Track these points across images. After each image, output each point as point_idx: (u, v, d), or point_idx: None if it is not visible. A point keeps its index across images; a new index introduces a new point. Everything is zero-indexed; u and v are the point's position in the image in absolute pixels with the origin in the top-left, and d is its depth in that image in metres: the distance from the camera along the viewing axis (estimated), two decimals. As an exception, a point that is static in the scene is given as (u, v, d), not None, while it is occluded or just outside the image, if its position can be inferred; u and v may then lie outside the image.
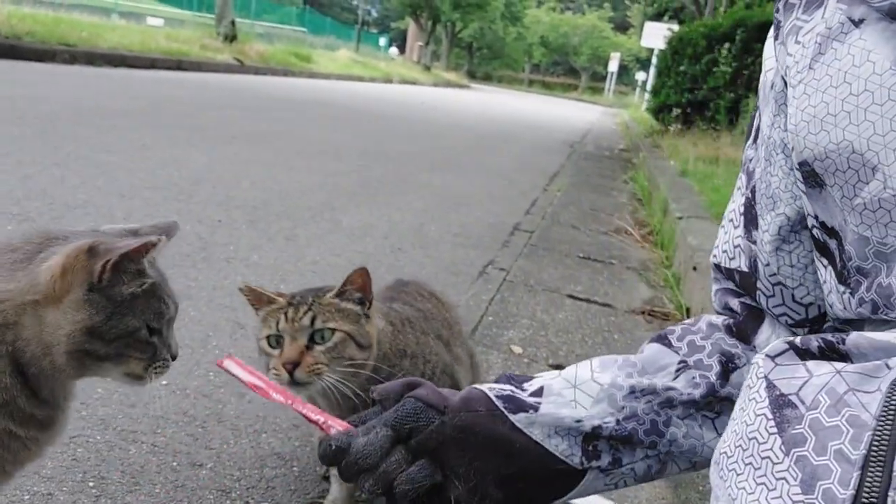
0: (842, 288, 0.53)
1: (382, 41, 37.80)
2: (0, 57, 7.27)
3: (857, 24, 0.50)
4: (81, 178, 3.18)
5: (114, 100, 6.03)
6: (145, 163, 3.77)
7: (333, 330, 0.97)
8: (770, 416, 0.47)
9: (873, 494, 0.39)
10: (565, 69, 55.76)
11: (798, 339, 0.51)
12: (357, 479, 0.61)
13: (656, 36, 16.77)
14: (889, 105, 0.47)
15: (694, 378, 0.65)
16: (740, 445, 0.49)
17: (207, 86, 8.91)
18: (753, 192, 0.63)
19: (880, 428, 0.41)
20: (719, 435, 0.64)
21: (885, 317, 0.50)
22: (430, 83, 24.13)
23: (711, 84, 8.56)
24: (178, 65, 10.59)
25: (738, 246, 0.65)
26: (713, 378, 0.65)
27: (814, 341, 0.50)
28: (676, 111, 9.21)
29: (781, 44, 0.58)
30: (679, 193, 4.16)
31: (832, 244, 0.54)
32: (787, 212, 0.59)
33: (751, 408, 0.49)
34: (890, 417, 0.41)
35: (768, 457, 0.46)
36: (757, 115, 0.64)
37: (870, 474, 0.40)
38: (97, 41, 9.60)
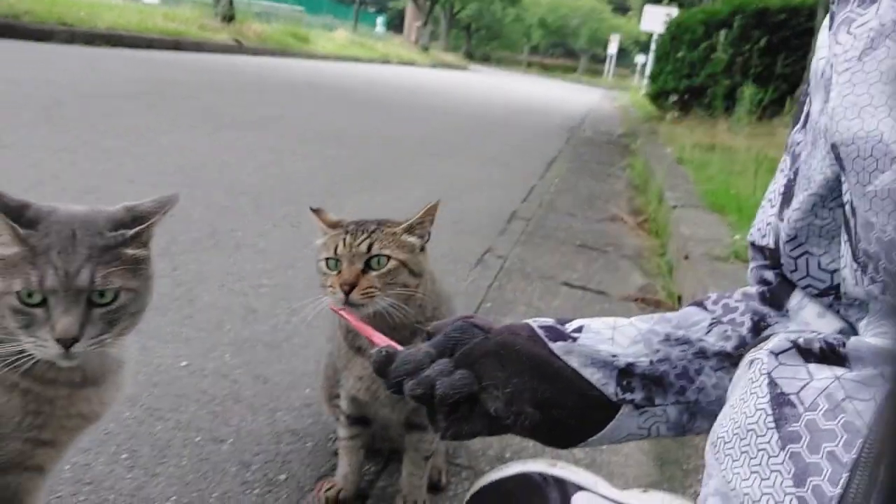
0: (854, 265, 0.58)
1: (379, 21, 37.52)
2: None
3: None
4: (91, 163, 3.26)
5: (115, 82, 6.07)
6: (150, 147, 3.84)
7: (388, 257, 1.07)
8: (770, 411, 0.52)
9: (859, 495, 0.45)
10: (564, 51, 55.54)
11: (801, 339, 0.56)
12: (399, 385, 0.67)
13: (656, 20, 16.73)
14: None
15: (726, 332, 0.69)
16: (737, 434, 0.54)
17: (206, 67, 8.93)
18: (796, 173, 0.67)
19: (871, 436, 0.45)
20: None
21: (893, 299, 0.55)
22: (428, 64, 24.06)
23: (709, 70, 8.63)
24: (176, 45, 10.57)
25: (769, 224, 0.70)
26: (744, 332, 0.69)
27: (816, 342, 0.55)
28: (674, 97, 9.28)
29: (833, 34, 0.61)
30: (674, 181, 4.24)
31: (852, 221, 0.58)
32: (820, 191, 0.63)
33: (752, 401, 0.55)
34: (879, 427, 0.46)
35: (764, 449, 0.51)
36: (808, 101, 0.67)
37: (857, 476, 0.44)
38: (95, 21, 9.58)
